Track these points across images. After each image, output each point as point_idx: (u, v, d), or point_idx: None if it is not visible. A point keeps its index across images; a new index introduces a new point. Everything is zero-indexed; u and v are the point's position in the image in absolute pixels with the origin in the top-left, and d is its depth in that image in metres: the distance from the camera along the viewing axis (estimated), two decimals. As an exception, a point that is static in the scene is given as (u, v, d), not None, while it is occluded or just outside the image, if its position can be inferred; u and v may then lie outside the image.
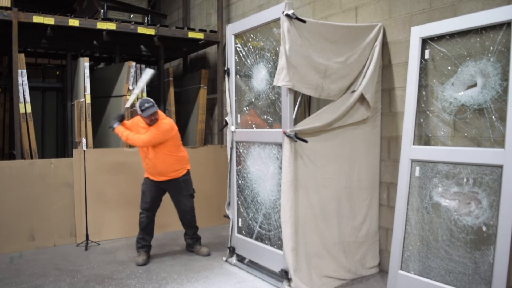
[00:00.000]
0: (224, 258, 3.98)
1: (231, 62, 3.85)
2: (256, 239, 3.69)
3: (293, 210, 3.13)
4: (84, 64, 4.97)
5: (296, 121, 3.34)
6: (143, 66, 5.53)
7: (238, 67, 3.83)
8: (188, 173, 4.11)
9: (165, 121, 3.96)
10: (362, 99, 3.40)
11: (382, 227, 3.65)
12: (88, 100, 4.86)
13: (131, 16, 6.53)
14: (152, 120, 3.88)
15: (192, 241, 4.22)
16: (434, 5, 3.22)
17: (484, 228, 2.72)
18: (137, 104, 3.86)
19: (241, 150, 3.83)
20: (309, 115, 3.92)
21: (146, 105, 3.80)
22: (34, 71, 6.91)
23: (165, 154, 3.93)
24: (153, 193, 4.01)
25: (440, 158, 2.96)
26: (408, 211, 3.15)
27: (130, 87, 5.20)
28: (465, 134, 2.95)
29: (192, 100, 6.14)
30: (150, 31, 5.19)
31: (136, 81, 5.34)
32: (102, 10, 6.12)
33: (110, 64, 6.74)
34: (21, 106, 4.57)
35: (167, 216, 4.55)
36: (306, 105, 4.00)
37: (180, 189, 4.05)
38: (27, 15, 4.47)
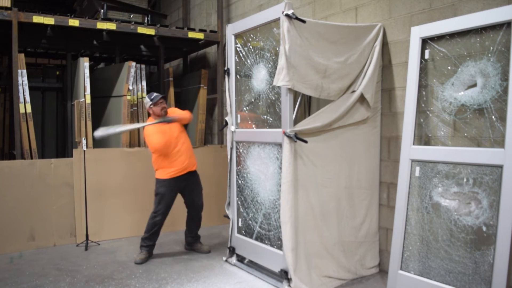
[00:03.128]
0: (224, 258, 3.98)
1: (231, 62, 3.85)
2: (256, 239, 3.69)
3: (293, 210, 3.13)
4: (84, 64, 4.96)
5: (296, 121, 3.35)
6: (143, 66, 5.52)
7: (238, 67, 3.83)
8: None
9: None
10: (362, 99, 3.40)
11: (382, 227, 3.65)
12: (88, 100, 4.86)
13: (131, 16, 6.53)
14: (163, 108, 4.00)
15: (193, 239, 4.25)
16: (434, 5, 3.22)
17: (484, 228, 2.72)
18: (146, 99, 4.03)
19: (241, 150, 3.83)
20: (309, 115, 3.92)
21: (154, 94, 4.03)
22: (34, 71, 6.91)
23: (188, 142, 4.10)
24: (173, 196, 4.05)
25: (440, 158, 2.96)
26: (408, 211, 3.15)
27: (130, 87, 5.20)
28: (465, 134, 2.95)
29: (192, 100, 6.13)
30: (150, 31, 5.19)
31: (136, 81, 5.34)
32: (102, 10, 6.12)
33: (110, 64, 6.74)
34: (21, 106, 4.57)
35: (168, 216, 4.54)
36: (306, 105, 4.00)
37: (198, 181, 4.17)
38: (27, 15, 4.46)
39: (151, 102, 3.96)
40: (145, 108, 5.30)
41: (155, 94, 4.01)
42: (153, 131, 3.92)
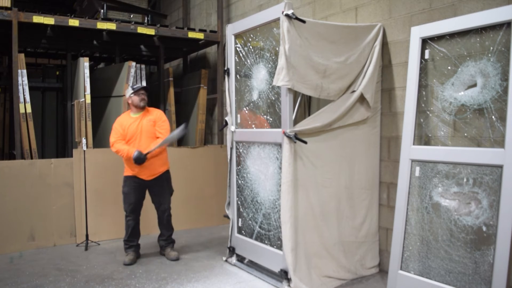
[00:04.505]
0: (224, 258, 3.98)
1: (231, 62, 3.85)
2: (256, 239, 3.69)
3: (293, 210, 3.13)
4: (84, 64, 4.97)
5: (296, 121, 3.34)
6: (143, 66, 5.53)
7: (238, 67, 3.83)
8: (169, 171, 4.09)
9: (153, 108, 4.13)
10: (362, 99, 3.40)
11: (382, 227, 3.65)
12: (88, 100, 4.86)
13: (131, 16, 6.52)
14: (143, 100, 3.94)
15: (166, 243, 4.11)
16: (434, 5, 3.22)
17: (484, 228, 2.72)
18: (127, 90, 4.01)
19: (241, 150, 3.83)
20: (309, 115, 3.92)
21: (137, 84, 4.02)
22: (34, 71, 6.91)
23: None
24: (138, 194, 3.94)
25: (440, 158, 2.96)
26: (408, 211, 3.15)
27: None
28: (465, 134, 2.95)
29: (192, 100, 6.13)
30: (150, 31, 5.19)
31: (136, 81, 5.34)
32: (102, 10, 6.12)
33: (110, 64, 6.74)
34: (21, 106, 4.57)
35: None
36: (306, 105, 4.00)
37: (163, 186, 4.01)
38: (27, 15, 4.47)
39: (132, 91, 3.92)
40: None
41: (138, 84, 4.03)
42: (114, 124, 3.94)
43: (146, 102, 3.99)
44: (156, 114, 4.03)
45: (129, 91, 3.98)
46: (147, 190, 4.02)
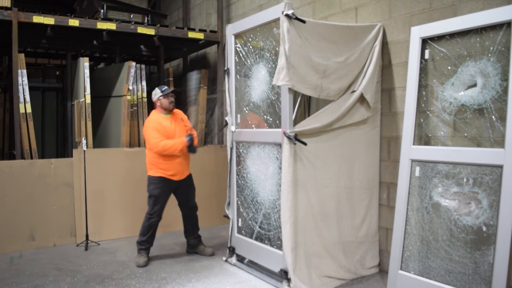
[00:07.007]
0: (224, 258, 3.98)
1: (231, 62, 3.85)
2: (256, 239, 3.69)
3: (292, 210, 3.13)
4: (84, 64, 4.96)
5: (296, 121, 3.35)
6: (143, 66, 5.53)
7: (238, 67, 3.83)
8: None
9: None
10: (362, 99, 3.40)
11: (382, 227, 3.65)
12: (88, 100, 4.86)
13: (131, 16, 6.53)
14: (172, 102, 3.99)
15: (196, 240, 4.19)
16: (434, 5, 3.22)
17: (484, 228, 2.72)
18: (155, 90, 3.98)
19: (241, 150, 3.83)
20: (309, 115, 3.92)
21: (165, 86, 4.02)
22: (34, 71, 6.91)
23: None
24: (167, 196, 4.01)
25: (440, 158, 2.96)
26: (408, 211, 3.15)
27: (130, 87, 5.20)
28: (465, 134, 2.95)
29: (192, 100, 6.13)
30: (150, 31, 5.19)
31: (136, 81, 5.34)
32: (102, 10, 6.12)
33: (110, 64, 6.74)
34: (21, 106, 4.57)
35: (167, 216, 4.53)
36: (306, 105, 4.00)
37: (191, 183, 4.13)
38: (27, 15, 4.46)
39: (161, 94, 3.92)
40: (144, 108, 5.31)
41: (166, 87, 4.02)
42: (152, 125, 3.87)
43: (174, 103, 4.03)
44: (182, 114, 4.17)
45: (157, 93, 3.95)
46: (174, 191, 4.07)
